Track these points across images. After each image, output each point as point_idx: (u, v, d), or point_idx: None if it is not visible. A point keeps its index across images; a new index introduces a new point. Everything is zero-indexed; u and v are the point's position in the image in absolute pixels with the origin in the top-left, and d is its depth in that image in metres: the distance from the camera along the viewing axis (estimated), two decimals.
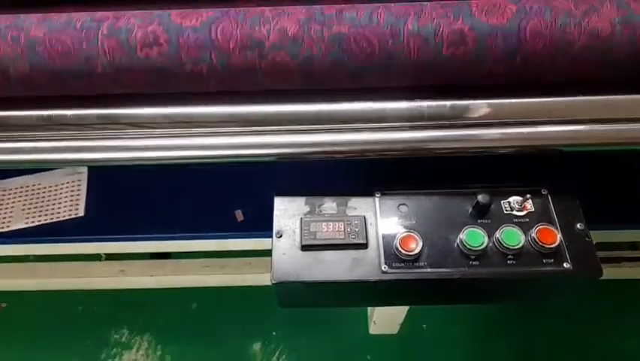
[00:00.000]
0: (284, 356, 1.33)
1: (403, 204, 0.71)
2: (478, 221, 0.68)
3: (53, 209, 1.04)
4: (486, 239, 0.66)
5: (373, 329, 1.32)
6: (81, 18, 0.59)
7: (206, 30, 0.58)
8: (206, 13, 0.59)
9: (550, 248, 0.65)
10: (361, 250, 0.67)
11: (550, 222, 0.68)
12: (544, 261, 0.66)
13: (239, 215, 1.01)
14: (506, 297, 0.77)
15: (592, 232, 0.68)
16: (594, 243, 0.68)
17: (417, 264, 0.66)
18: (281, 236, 0.68)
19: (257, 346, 1.34)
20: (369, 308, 1.32)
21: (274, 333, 1.36)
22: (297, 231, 0.68)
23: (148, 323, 1.38)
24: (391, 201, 0.71)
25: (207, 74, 0.59)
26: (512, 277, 0.65)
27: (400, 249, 0.65)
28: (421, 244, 0.65)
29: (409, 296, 0.75)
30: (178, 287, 1.38)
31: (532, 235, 0.66)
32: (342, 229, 0.68)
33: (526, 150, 0.68)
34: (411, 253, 0.65)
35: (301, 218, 0.69)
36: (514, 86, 0.63)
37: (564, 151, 0.69)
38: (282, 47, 0.58)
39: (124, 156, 0.68)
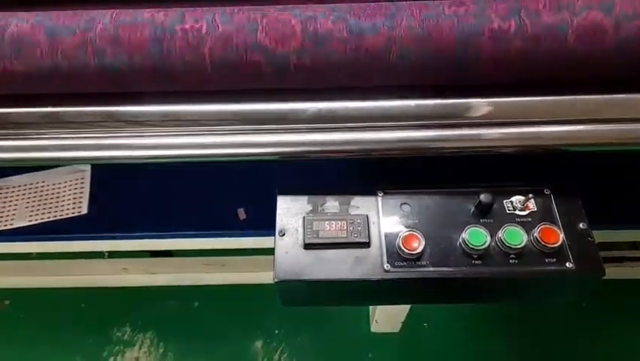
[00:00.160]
0: (285, 355, 1.33)
1: (406, 203, 0.71)
2: (481, 220, 0.68)
3: (56, 207, 1.04)
4: (488, 238, 0.66)
5: (375, 328, 1.32)
6: (80, 15, 0.59)
7: (207, 27, 0.58)
8: (207, 11, 0.59)
9: (553, 248, 0.65)
10: (364, 249, 0.67)
11: (553, 221, 0.68)
12: (546, 260, 0.66)
13: (241, 214, 1.01)
14: (508, 296, 0.77)
15: (593, 232, 0.68)
16: (596, 242, 0.68)
17: (419, 263, 0.66)
18: (284, 235, 0.68)
19: (259, 344, 1.34)
20: (370, 307, 1.32)
21: (276, 331, 1.36)
22: (300, 229, 0.68)
23: (150, 320, 1.38)
24: (394, 200, 0.71)
25: (209, 72, 0.59)
26: (514, 277, 0.65)
27: (402, 248, 0.66)
28: (423, 243, 0.66)
29: (411, 295, 0.76)
30: (180, 285, 1.39)
31: (535, 234, 0.66)
32: (345, 228, 0.68)
33: (528, 149, 0.68)
34: (413, 252, 0.65)
35: (304, 217, 0.69)
36: (516, 86, 0.63)
37: (567, 151, 0.69)
38: (283, 45, 0.58)
39: (127, 154, 0.68)
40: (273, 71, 0.59)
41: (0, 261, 1.33)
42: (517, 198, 0.70)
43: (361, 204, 0.71)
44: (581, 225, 0.68)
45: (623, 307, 1.38)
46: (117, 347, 1.34)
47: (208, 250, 1.16)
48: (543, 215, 0.69)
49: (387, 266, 0.66)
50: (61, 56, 0.58)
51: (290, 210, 0.70)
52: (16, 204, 1.05)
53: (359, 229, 0.68)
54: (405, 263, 0.66)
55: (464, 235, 0.66)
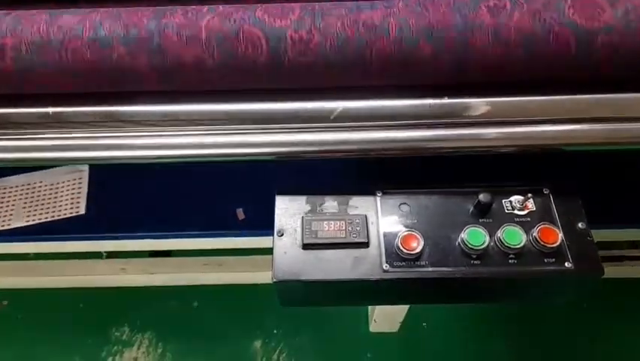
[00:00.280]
0: (284, 354, 1.33)
1: (405, 203, 0.71)
2: (480, 220, 0.68)
3: (54, 207, 1.04)
4: (487, 238, 0.65)
5: (374, 327, 1.32)
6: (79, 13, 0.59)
7: (204, 27, 0.58)
8: (205, 9, 0.59)
9: (552, 248, 0.65)
10: (362, 249, 0.67)
11: (552, 221, 0.68)
12: (545, 260, 0.66)
13: (240, 213, 1.01)
14: (507, 296, 0.77)
15: (592, 231, 0.68)
16: (595, 242, 0.68)
17: (418, 263, 0.66)
18: (282, 235, 0.68)
19: (257, 344, 1.34)
20: (369, 306, 1.32)
21: (275, 331, 1.36)
22: (299, 230, 0.68)
23: (149, 320, 1.38)
24: (393, 200, 0.71)
25: (207, 71, 0.59)
26: (513, 277, 0.65)
27: (401, 248, 0.65)
28: (422, 243, 0.65)
29: (410, 295, 0.75)
30: (179, 285, 1.39)
31: (534, 234, 0.66)
32: (344, 228, 0.68)
33: (527, 149, 0.68)
34: (412, 252, 0.65)
35: (302, 217, 0.69)
36: (515, 85, 0.63)
37: (565, 150, 0.69)
38: (283, 44, 0.58)
39: (125, 154, 0.68)
40: (272, 70, 0.59)
41: None
42: (516, 198, 0.70)
43: (360, 204, 0.71)
44: (580, 224, 0.68)
45: (623, 307, 1.38)
46: (116, 347, 1.34)
47: (207, 250, 1.15)
48: (542, 215, 0.69)
49: (386, 266, 0.65)
50: (60, 54, 0.58)
51: (288, 210, 0.70)
52: (13, 205, 1.04)
53: (358, 229, 0.68)
54: (404, 263, 0.66)
55: (463, 235, 0.66)
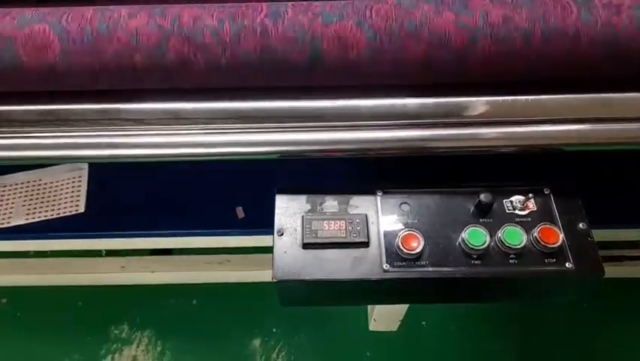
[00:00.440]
0: (284, 353, 1.33)
1: (405, 202, 0.70)
2: (480, 220, 0.68)
3: (54, 205, 1.03)
4: (488, 238, 0.65)
5: (373, 326, 1.32)
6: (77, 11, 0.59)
7: (206, 25, 0.57)
8: (207, 8, 0.59)
9: (553, 248, 0.65)
10: (363, 249, 0.67)
11: (553, 221, 0.68)
12: (546, 261, 0.66)
13: (240, 212, 1.01)
14: (508, 296, 0.77)
15: (593, 231, 0.68)
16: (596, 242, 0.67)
17: (418, 263, 0.66)
18: (282, 234, 0.68)
19: (257, 342, 1.34)
20: (369, 305, 1.32)
21: (274, 330, 1.36)
22: (299, 229, 0.68)
23: (148, 318, 1.38)
24: (393, 200, 0.71)
25: (208, 69, 0.59)
26: (514, 277, 0.65)
27: (401, 248, 0.65)
28: (422, 242, 0.65)
29: (411, 295, 0.75)
30: (178, 283, 1.38)
31: (535, 234, 0.66)
32: (344, 228, 0.68)
33: (528, 149, 0.68)
34: (412, 252, 0.65)
35: (302, 216, 0.69)
36: (516, 85, 0.63)
37: (566, 150, 0.69)
38: (283, 43, 0.57)
39: (125, 152, 0.67)
40: (272, 69, 0.59)
41: None
42: (516, 198, 0.70)
43: (360, 204, 0.71)
44: (580, 225, 0.68)
45: (623, 306, 1.38)
46: (115, 345, 1.34)
47: (207, 249, 1.16)
48: (543, 215, 0.69)
49: (386, 266, 0.65)
50: (58, 54, 0.58)
51: (288, 209, 0.70)
52: (13, 203, 1.04)
53: (358, 228, 0.68)
54: (404, 263, 0.66)
55: (464, 235, 0.66)
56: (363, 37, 0.57)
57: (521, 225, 0.67)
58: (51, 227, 1.01)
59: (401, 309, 1.21)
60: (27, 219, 1.02)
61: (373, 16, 0.57)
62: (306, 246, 0.67)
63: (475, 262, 0.66)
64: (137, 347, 1.34)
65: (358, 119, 0.64)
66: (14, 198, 1.05)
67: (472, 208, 0.69)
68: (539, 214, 0.69)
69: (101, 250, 1.33)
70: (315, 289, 0.68)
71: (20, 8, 0.60)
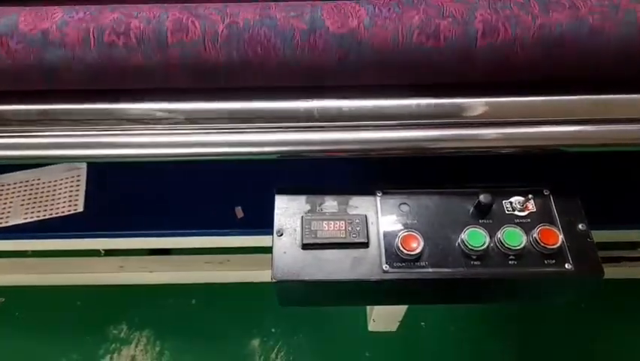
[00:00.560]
0: (282, 353, 1.33)
1: (405, 203, 0.70)
2: (480, 221, 0.68)
3: (52, 204, 1.03)
4: (487, 239, 0.65)
5: (372, 327, 1.32)
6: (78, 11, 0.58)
7: (207, 26, 0.57)
8: (209, 9, 0.59)
9: (552, 249, 0.65)
10: (362, 250, 0.67)
11: (552, 222, 0.68)
12: (545, 262, 0.65)
13: (239, 212, 1.01)
14: (507, 297, 0.77)
15: (592, 232, 0.68)
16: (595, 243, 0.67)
17: (418, 264, 0.66)
18: (282, 234, 0.68)
19: (256, 342, 1.34)
20: (368, 306, 1.32)
21: (273, 330, 1.36)
22: (298, 229, 0.68)
23: (147, 318, 1.37)
24: (393, 200, 0.71)
25: (208, 70, 0.59)
26: (513, 278, 0.65)
27: (401, 248, 0.65)
28: (422, 243, 0.65)
29: (410, 296, 0.75)
30: (177, 283, 1.38)
31: (534, 235, 0.66)
32: (343, 228, 0.68)
33: (527, 149, 0.68)
34: (412, 253, 0.65)
35: (302, 216, 0.69)
36: (515, 85, 0.63)
37: (566, 151, 0.69)
38: (283, 44, 0.57)
39: (124, 152, 0.67)
40: (272, 69, 0.59)
41: None
42: (516, 199, 0.70)
43: (360, 204, 0.70)
44: (580, 226, 0.68)
45: (623, 307, 1.38)
46: (113, 345, 1.34)
47: (205, 249, 1.15)
48: (542, 216, 0.69)
49: (385, 267, 0.65)
50: (58, 53, 0.57)
51: (288, 209, 0.70)
52: (11, 202, 1.04)
53: (357, 229, 0.68)
54: (404, 264, 0.66)
55: (463, 236, 0.66)
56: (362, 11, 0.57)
57: (521, 226, 0.66)
58: (49, 226, 1.01)
59: (400, 310, 1.21)
60: (25, 218, 1.02)
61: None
62: (305, 246, 0.67)
63: (475, 262, 0.66)
64: (136, 346, 1.34)
65: (358, 119, 0.64)
66: (12, 197, 1.04)
67: (471, 209, 0.69)
68: (539, 215, 0.69)
69: (99, 250, 1.33)
70: (315, 289, 0.68)
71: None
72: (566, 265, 0.65)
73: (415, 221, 0.69)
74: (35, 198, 1.04)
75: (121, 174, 1.06)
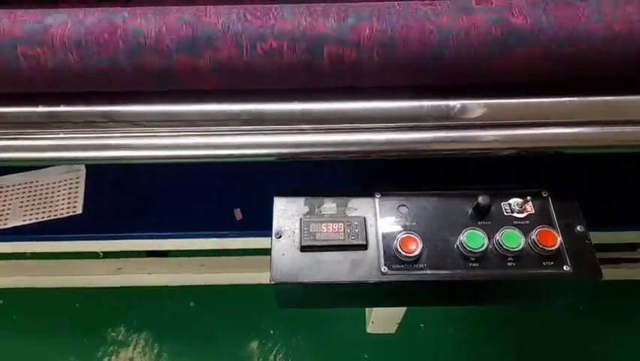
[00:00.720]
0: (281, 355, 1.32)
1: (403, 205, 0.70)
2: (478, 223, 0.68)
3: (51, 206, 1.03)
4: (486, 241, 0.65)
5: (371, 329, 1.32)
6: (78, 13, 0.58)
7: (207, 28, 0.57)
8: (208, 10, 0.59)
9: (550, 251, 0.65)
10: (361, 251, 0.67)
11: (551, 224, 0.68)
12: (544, 263, 0.66)
13: (237, 214, 1.01)
14: (506, 299, 0.77)
15: (590, 233, 0.68)
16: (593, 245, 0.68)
17: (417, 266, 0.66)
18: (280, 237, 0.68)
19: (254, 344, 1.34)
20: (367, 308, 1.32)
21: (271, 332, 1.35)
22: (297, 231, 0.68)
23: (145, 320, 1.37)
24: (391, 202, 0.71)
25: (207, 71, 0.59)
26: (512, 280, 0.65)
27: (399, 250, 0.65)
28: (420, 245, 0.65)
29: (409, 298, 0.75)
30: (176, 285, 1.38)
31: (533, 237, 0.66)
32: (342, 230, 0.68)
33: (526, 151, 0.68)
34: (411, 255, 0.65)
35: (301, 219, 0.69)
36: (515, 87, 0.63)
37: (564, 153, 0.69)
38: (283, 44, 0.57)
39: (122, 154, 0.67)
40: (272, 70, 0.59)
41: None
42: (515, 201, 0.70)
43: (358, 206, 0.70)
44: (578, 227, 0.68)
45: (621, 309, 1.38)
46: (112, 348, 1.33)
47: (204, 251, 1.15)
48: (541, 218, 0.69)
49: (384, 269, 0.65)
50: (58, 54, 0.57)
51: (287, 211, 0.70)
52: (10, 204, 1.04)
53: (356, 231, 0.68)
54: (402, 266, 0.66)
55: (462, 238, 0.66)
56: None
57: (519, 228, 0.67)
58: (48, 228, 1.01)
59: (399, 311, 1.21)
60: (24, 220, 1.01)
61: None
62: (304, 248, 0.67)
63: (473, 264, 0.66)
64: (134, 349, 1.33)
65: (357, 121, 0.64)
66: (11, 199, 1.04)
67: (470, 211, 0.69)
68: (537, 217, 0.69)
69: (98, 252, 1.33)
70: (313, 291, 0.68)
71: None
72: (565, 267, 0.65)
73: (414, 223, 0.69)
74: (34, 200, 1.04)
75: (120, 176, 1.06)
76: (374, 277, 0.65)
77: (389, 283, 0.65)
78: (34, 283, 1.35)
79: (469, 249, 0.65)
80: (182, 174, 1.06)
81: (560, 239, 0.66)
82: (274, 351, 1.33)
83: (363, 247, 0.67)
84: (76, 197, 1.04)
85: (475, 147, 0.66)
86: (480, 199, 0.67)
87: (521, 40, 0.57)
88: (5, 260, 1.31)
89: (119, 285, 1.36)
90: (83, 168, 1.08)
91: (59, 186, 1.06)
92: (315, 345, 1.34)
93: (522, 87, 0.63)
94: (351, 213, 0.70)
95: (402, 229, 0.68)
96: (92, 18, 0.58)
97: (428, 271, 0.65)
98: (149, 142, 0.66)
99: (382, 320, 1.27)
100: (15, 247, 1.06)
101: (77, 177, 1.07)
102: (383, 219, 0.69)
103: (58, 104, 0.64)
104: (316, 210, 0.70)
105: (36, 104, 0.64)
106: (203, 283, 1.37)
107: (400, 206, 0.70)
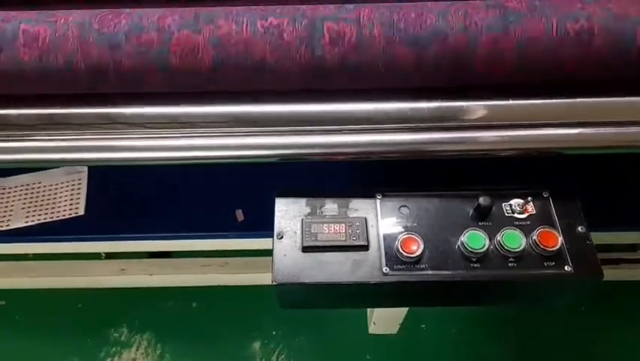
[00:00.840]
0: (283, 356, 1.33)
1: (404, 205, 0.71)
2: (480, 223, 0.68)
3: (53, 208, 1.03)
4: (487, 242, 0.65)
5: (373, 329, 1.32)
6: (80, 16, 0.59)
7: (208, 29, 0.58)
8: (206, 11, 0.59)
9: (552, 251, 0.65)
10: (362, 252, 0.67)
11: (552, 225, 0.68)
12: (545, 264, 0.66)
13: (239, 215, 1.01)
14: (507, 300, 0.77)
15: (591, 234, 0.68)
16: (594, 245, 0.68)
17: (418, 266, 0.66)
18: (282, 237, 0.68)
19: (256, 345, 1.34)
20: (368, 308, 1.32)
21: (274, 333, 1.36)
22: (298, 232, 0.68)
23: (147, 321, 1.37)
24: (392, 203, 0.71)
25: (209, 73, 0.59)
26: (513, 280, 0.65)
27: (401, 251, 0.65)
28: (422, 246, 0.65)
29: (410, 298, 0.75)
30: (178, 286, 1.38)
31: (534, 237, 0.66)
32: (343, 231, 0.68)
33: (527, 152, 0.68)
34: (412, 255, 0.65)
35: (302, 219, 0.69)
36: (514, 88, 0.63)
37: (565, 154, 0.69)
38: (283, 46, 0.58)
39: (124, 155, 0.67)
40: (273, 72, 0.59)
41: None
42: (516, 202, 0.70)
43: (360, 207, 0.71)
44: (579, 228, 0.68)
45: (622, 309, 1.38)
46: (114, 348, 1.34)
47: (206, 251, 1.15)
48: (542, 218, 0.69)
49: (385, 269, 0.65)
50: (58, 55, 0.58)
51: (288, 212, 0.70)
52: (12, 205, 1.04)
53: (357, 231, 0.68)
54: (403, 266, 0.66)
55: (463, 238, 0.66)
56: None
57: (520, 228, 0.67)
58: (50, 230, 1.01)
59: (401, 312, 1.21)
60: (26, 221, 1.02)
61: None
62: (305, 249, 0.67)
63: (475, 265, 0.66)
64: (137, 350, 1.34)
65: (358, 122, 0.65)
66: (14, 200, 1.05)
67: (471, 212, 0.69)
68: (538, 218, 0.69)
69: (100, 253, 1.33)
70: (315, 292, 0.68)
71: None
72: (566, 268, 0.65)
73: (415, 224, 0.69)
74: (36, 201, 1.04)
75: (122, 177, 1.06)
76: (375, 278, 0.65)
77: (390, 284, 0.65)
78: (37, 283, 1.35)
79: (470, 249, 0.65)
80: (185, 176, 1.06)
81: (561, 240, 0.66)
82: (276, 352, 1.33)
83: (365, 247, 0.67)
84: (78, 198, 1.04)
85: (477, 147, 0.66)
86: (481, 200, 0.67)
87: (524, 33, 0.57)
88: (8, 261, 1.32)
89: (121, 286, 1.36)
90: (85, 169, 1.08)
91: (62, 188, 1.06)
92: (317, 346, 1.34)
93: (522, 88, 0.63)
94: (352, 214, 0.70)
95: (403, 230, 0.68)
96: (94, 18, 0.58)
97: (429, 272, 0.65)
98: (151, 144, 0.66)
99: (384, 320, 1.27)
100: (18, 248, 1.06)
101: (79, 179, 1.07)
102: (384, 220, 0.69)
103: (59, 106, 0.64)
104: (317, 210, 0.70)
105: (38, 106, 0.64)
106: (205, 284, 1.37)
107: (401, 207, 0.71)
